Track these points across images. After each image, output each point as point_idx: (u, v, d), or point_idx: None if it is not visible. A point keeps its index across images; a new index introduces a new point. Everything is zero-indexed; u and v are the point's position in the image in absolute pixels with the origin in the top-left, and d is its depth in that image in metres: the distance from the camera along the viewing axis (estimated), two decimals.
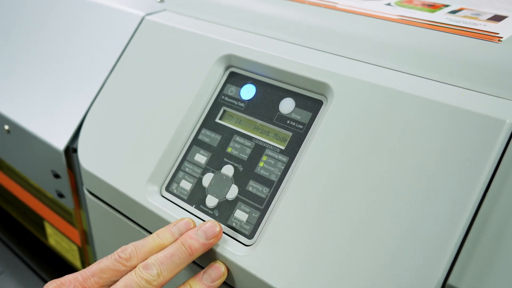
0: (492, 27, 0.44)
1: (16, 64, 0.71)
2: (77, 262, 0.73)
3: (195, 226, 0.41)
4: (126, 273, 0.38)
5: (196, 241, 0.40)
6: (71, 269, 0.76)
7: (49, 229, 0.76)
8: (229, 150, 0.46)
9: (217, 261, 0.41)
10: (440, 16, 0.47)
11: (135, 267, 0.38)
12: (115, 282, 0.38)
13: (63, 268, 0.80)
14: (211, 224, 0.41)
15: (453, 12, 0.49)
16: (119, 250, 0.40)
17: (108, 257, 0.39)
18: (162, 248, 0.40)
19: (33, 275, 0.82)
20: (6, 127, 0.67)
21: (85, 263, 0.71)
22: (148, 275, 0.37)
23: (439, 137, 0.36)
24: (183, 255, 0.39)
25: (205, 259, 0.43)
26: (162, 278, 0.38)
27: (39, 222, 0.78)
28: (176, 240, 0.40)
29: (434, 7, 0.51)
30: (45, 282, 0.79)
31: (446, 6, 0.51)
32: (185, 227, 0.41)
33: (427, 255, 0.34)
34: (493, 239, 0.33)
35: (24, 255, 0.86)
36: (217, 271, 0.41)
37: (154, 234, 0.41)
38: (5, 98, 0.68)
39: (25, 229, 0.87)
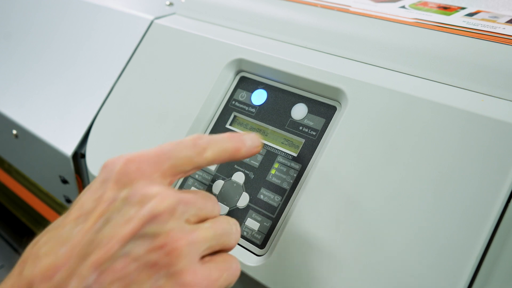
0: None
1: (25, 68, 0.70)
2: None
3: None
4: (196, 166, 0.33)
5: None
6: None
7: None
8: None
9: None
10: (457, 19, 0.46)
11: (207, 162, 0.33)
12: (186, 172, 0.33)
13: None
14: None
15: (470, 14, 0.48)
16: (195, 136, 0.33)
17: (184, 140, 0.33)
18: (232, 151, 0.34)
19: None
20: (14, 131, 0.67)
21: None
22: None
23: (458, 144, 0.35)
24: None
25: None
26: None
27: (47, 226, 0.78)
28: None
29: (449, 10, 0.50)
30: None
31: (462, 8, 0.50)
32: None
33: (447, 268, 0.32)
34: None
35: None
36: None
37: (225, 134, 0.35)
38: (13, 103, 0.67)
39: (33, 232, 0.86)
